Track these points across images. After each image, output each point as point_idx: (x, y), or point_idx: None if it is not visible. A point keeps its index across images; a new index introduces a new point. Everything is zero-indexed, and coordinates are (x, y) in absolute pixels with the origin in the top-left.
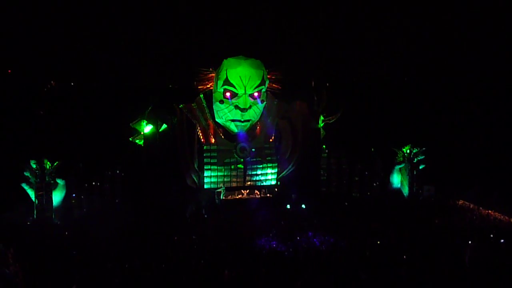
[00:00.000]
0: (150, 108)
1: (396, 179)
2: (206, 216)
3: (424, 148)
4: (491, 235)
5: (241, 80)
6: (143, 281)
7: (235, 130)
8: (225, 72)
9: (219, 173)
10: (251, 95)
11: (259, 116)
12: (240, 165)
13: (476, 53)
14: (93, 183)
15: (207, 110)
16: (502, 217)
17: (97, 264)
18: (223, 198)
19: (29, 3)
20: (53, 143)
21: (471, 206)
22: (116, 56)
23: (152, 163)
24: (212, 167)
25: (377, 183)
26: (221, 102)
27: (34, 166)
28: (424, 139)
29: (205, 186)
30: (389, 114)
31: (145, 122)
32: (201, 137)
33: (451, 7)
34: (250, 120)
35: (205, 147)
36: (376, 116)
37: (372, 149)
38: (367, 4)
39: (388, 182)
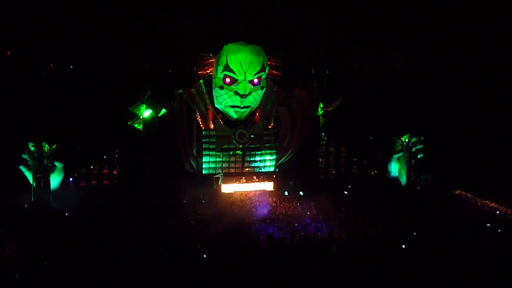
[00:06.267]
0: (149, 92)
1: (394, 168)
2: (204, 201)
3: (422, 138)
4: (488, 225)
5: (241, 66)
6: (141, 265)
7: (234, 116)
8: (225, 58)
9: (218, 159)
10: (251, 81)
11: (258, 103)
12: (238, 151)
13: (474, 44)
14: (91, 166)
15: (206, 96)
16: (498, 207)
17: (94, 248)
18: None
19: None
20: (51, 126)
21: (468, 196)
22: (116, 40)
23: (151, 148)
24: (211, 152)
25: (375, 171)
26: (221, 88)
27: (32, 148)
28: (422, 128)
29: (204, 172)
30: (388, 102)
31: (144, 106)
32: (200, 122)
33: None
34: (250, 106)
35: (204, 133)
36: (375, 105)
37: (371, 138)
38: None
39: (386, 170)
